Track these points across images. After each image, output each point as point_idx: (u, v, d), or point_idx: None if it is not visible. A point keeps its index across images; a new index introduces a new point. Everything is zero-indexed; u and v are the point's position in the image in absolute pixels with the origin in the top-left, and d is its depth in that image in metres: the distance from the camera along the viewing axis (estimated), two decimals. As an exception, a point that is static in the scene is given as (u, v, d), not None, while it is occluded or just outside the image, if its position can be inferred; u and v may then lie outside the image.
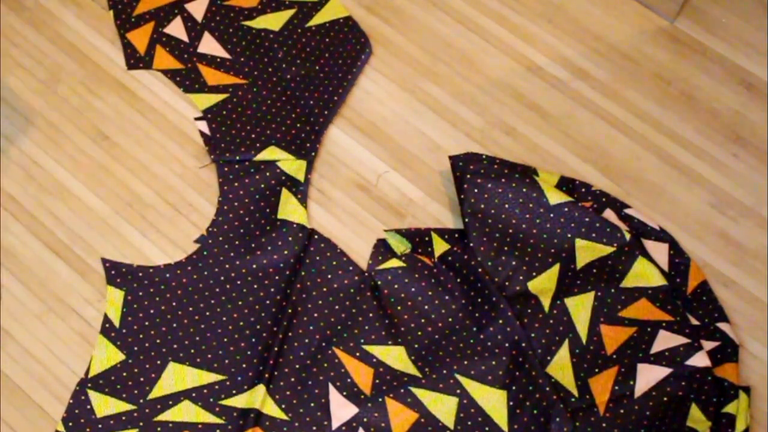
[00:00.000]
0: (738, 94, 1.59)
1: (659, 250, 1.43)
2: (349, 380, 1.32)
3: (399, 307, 1.37)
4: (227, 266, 1.42)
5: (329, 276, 1.41)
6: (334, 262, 1.42)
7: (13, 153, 1.45)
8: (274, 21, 1.62)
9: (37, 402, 1.31)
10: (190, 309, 1.39)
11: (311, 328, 1.37)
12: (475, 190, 1.43)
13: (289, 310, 1.38)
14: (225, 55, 1.59)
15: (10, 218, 1.42)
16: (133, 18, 1.60)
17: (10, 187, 1.44)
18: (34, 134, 1.49)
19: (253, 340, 1.36)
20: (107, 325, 1.37)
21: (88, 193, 1.45)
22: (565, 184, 1.48)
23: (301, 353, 1.34)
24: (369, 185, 1.51)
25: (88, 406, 1.28)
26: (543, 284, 1.39)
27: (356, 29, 1.61)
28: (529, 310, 1.36)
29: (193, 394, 1.29)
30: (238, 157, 1.49)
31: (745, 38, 1.64)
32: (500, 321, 1.34)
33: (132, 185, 1.48)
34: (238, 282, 1.41)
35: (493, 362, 1.32)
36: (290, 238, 1.43)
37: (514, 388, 1.30)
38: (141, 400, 1.28)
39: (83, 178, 1.46)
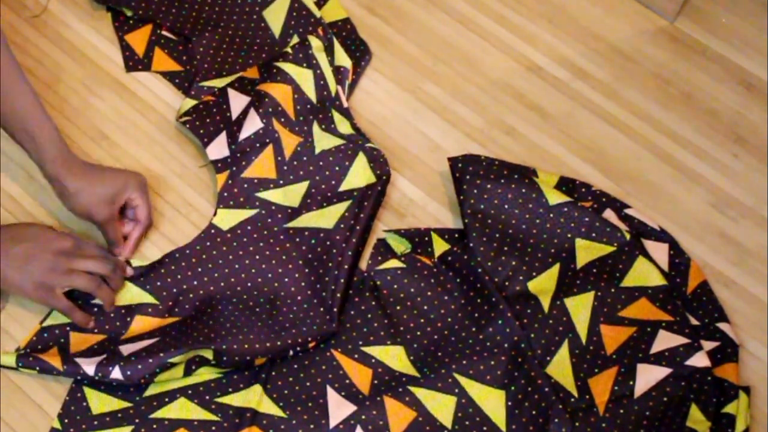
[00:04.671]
0: (738, 94, 1.59)
1: (659, 250, 1.42)
2: (347, 381, 1.31)
3: (398, 308, 1.37)
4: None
5: (328, 276, 1.41)
6: (334, 262, 1.42)
7: (13, 153, 1.45)
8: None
9: (37, 402, 1.30)
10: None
11: (310, 328, 1.37)
12: (475, 191, 1.43)
13: (288, 310, 1.38)
14: (225, 55, 1.59)
15: (10, 218, 1.42)
16: (131, 20, 1.59)
17: (10, 187, 1.44)
18: (34, 134, 1.48)
19: (252, 339, 1.36)
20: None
21: (88, 193, 1.45)
22: (565, 184, 1.48)
23: (299, 354, 1.33)
24: (369, 185, 1.50)
25: (84, 403, 1.28)
26: (543, 284, 1.39)
27: (355, 34, 1.60)
28: (529, 311, 1.36)
29: (189, 392, 1.28)
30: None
31: (745, 38, 1.63)
32: (500, 321, 1.34)
33: (132, 185, 1.48)
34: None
35: (492, 362, 1.32)
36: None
37: (513, 388, 1.30)
38: (137, 398, 1.28)
39: (83, 178, 1.46)
